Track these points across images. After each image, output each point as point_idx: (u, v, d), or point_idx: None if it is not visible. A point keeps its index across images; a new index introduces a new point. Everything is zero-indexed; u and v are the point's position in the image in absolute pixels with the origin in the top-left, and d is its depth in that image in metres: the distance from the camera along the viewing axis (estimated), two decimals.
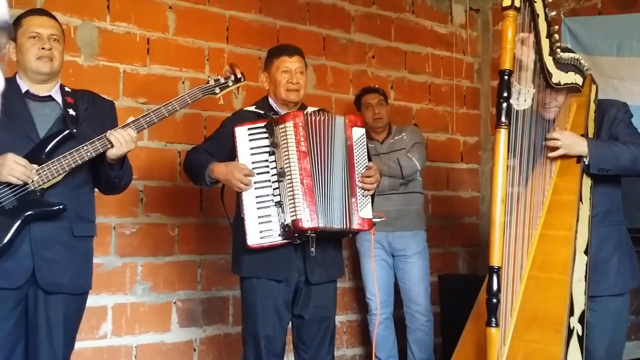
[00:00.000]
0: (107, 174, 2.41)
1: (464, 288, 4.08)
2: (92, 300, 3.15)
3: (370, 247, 3.81)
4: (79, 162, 2.29)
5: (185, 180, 3.67)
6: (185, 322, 3.68)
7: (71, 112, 2.38)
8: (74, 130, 2.32)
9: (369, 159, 2.69)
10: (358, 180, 2.60)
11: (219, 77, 2.60)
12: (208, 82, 2.58)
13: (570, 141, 2.36)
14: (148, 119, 2.40)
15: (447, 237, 4.77)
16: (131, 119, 2.39)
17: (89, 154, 2.29)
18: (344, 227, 2.56)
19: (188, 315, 3.69)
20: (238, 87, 2.66)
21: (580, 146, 2.35)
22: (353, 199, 2.57)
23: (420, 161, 3.78)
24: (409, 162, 3.74)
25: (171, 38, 3.71)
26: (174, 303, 3.65)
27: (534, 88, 2.36)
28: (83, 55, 3.46)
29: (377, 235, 3.78)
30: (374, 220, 2.62)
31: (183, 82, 3.73)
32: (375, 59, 4.52)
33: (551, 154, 2.41)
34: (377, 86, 4.10)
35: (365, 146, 2.67)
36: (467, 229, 4.90)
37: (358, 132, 2.65)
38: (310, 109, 2.77)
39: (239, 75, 2.62)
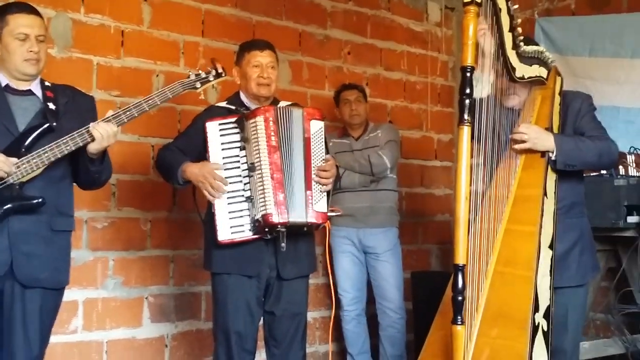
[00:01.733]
0: (88, 169, 2.39)
1: (436, 285, 4.07)
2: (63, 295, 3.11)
3: (341, 243, 3.84)
4: (59, 155, 2.27)
5: (159, 174, 3.64)
6: (157, 318, 3.65)
7: (51, 106, 2.36)
8: (54, 124, 2.29)
9: (327, 152, 2.70)
10: (314, 174, 2.61)
11: (200, 71, 2.58)
12: (189, 77, 2.55)
13: (537, 135, 2.36)
14: (129, 113, 2.38)
15: (420, 234, 4.80)
16: (111, 112, 2.37)
17: (69, 147, 2.28)
18: (303, 220, 2.57)
19: (160, 311, 3.66)
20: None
21: (547, 141, 2.36)
22: (308, 192, 2.59)
23: (390, 159, 3.77)
24: (379, 160, 3.74)
25: (146, 31, 3.67)
26: (146, 298, 3.62)
27: (493, 75, 2.36)
28: (56, 46, 3.41)
29: (348, 232, 3.80)
30: (329, 214, 2.64)
31: (157, 76, 3.69)
32: (351, 56, 4.52)
33: (517, 147, 2.41)
34: (356, 83, 4.11)
35: (323, 139, 2.69)
36: (440, 226, 4.93)
37: (316, 125, 2.67)
38: (282, 104, 2.77)
39: (220, 70, 2.60)
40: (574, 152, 2.36)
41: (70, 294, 3.35)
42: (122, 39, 3.60)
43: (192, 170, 2.64)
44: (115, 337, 3.52)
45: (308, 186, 2.60)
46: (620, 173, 3.47)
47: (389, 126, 4.05)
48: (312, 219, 2.59)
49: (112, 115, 2.35)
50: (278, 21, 4.18)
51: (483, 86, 2.31)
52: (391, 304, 3.83)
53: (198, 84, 2.55)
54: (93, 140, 2.29)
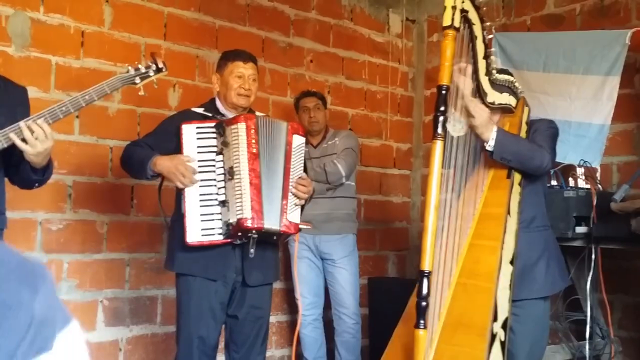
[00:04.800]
0: (29, 177, 2.30)
1: (392, 291, 4.17)
2: None
3: (299, 249, 3.86)
4: None
5: (117, 176, 3.62)
6: (112, 321, 3.61)
7: None
8: None
9: (305, 170, 2.75)
10: (291, 186, 2.65)
11: (140, 66, 2.50)
12: (128, 72, 2.47)
13: (484, 123, 2.41)
14: (64, 108, 2.25)
15: (378, 240, 4.86)
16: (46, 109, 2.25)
17: (0, 144, 2.14)
18: (276, 227, 2.60)
19: (114, 314, 3.62)
20: (158, 78, 2.55)
21: (490, 132, 2.41)
22: (284, 202, 2.63)
23: (345, 168, 3.79)
24: (334, 169, 3.77)
25: (107, 32, 3.65)
26: (101, 302, 3.58)
27: (466, 116, 2.44)
28: (14, 45, 3.36)
29: (305, 238, 3.83)
30: (300, 226, 2.68)
31: None
32: (314, 64, 4.57)
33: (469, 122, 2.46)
34: (315, 90, 4.14)
35: (302, 155, 2.74)
36: (397, 233, 5.00)
37: (298, 140, 2.73)
38: (259, 114, 2.79)
39: (160, 65, 2.53)
40: (512, 147, 2.44)
41: None
42: (82, 40, 3.57)
43: (162, 162, 2.61)
44: None
45: (284, 195, 2.63)
46: (570, 185, 3.57)
47: (347, 133, 4.07)
48: (284, 228, 2.61)
49: (46, 111, 2.21)
50: (241, 27, 4.20)
51: (459, 126, 2.40)
52: (346, 310, 3.86)
53: (137, 79, 2.46)
54: (23, 140, 2.14)
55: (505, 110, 2.57)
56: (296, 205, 2.68)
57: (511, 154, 2.43)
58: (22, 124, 2.15)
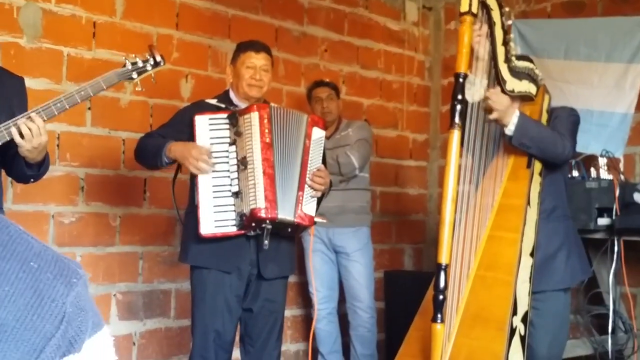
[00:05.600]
0: (24, 172, 2.27)
1: (409, 284, 4.11)
2: None
3: (313, 242, 3.82)
4: None
5: (130, 169, 3.59)
6: (125, 315, 3.59)
7: None
8: None
9: (324, 163, 2.72)
10: (308, 178, 2.62)
11: (137, 59, 2.43)
12: (124, 65, 2.40)
13: (505, 108, 2.35)
14: (60, 104, 2.21)
15: (393, 233, 4.80)
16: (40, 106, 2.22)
17: None
18: (290, 218, 2.57)
19: (128, 308, 3.60)
20: (156, 72, 2.49)
21: (510, 117, 2.35)
22: (300, 193, 2.60)
23: (359, 159, 3.72)
24: (347, 160, 3.70)
25: (118, 22, 3.61)
26: (114, 295, 3.55)
27: (487, 79, 2.37)
28: (26, 36, 3.33)
29: (318, 231, 3.79)
30: (315, 219, 2.64)
31: None
32: (328, 53, 4.50)
33: (489, 116, 2.40)
34: (329, 80, 4.07)
35: (322, 148, 2.71)
36: (413, 226, 4.93)
37: (318, 133, 2.70)
38: (274, 105, 2.76)
39: (159, 59, 2.46)
40: (532, 132, 2.37)
41: None
42: (94, 30, 3.53)
43: (177, 147, 2.61)
44: None
45: (301, 187, 2.60)
46: (592, 176, 3.50)
47: (361, 124, 3.99)
48: (299, 219, 2.58)
49: (41, 107, 2.18)
50: (254, 16, 4.14)
51: (476, 89, 2.33)
52: (361, 304, 3.81)
53: (135, 74, 2.40)
54: (22, 136, 2.11)
55: (525, 98, 2.50)
56: (312, 197, 2.64)
57: (531, 140, 2.37)
58: (19, 120, 2.13)
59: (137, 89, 2.44)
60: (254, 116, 2.58)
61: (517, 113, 2.36)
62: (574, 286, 2.56)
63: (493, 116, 2.37)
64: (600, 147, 3.64)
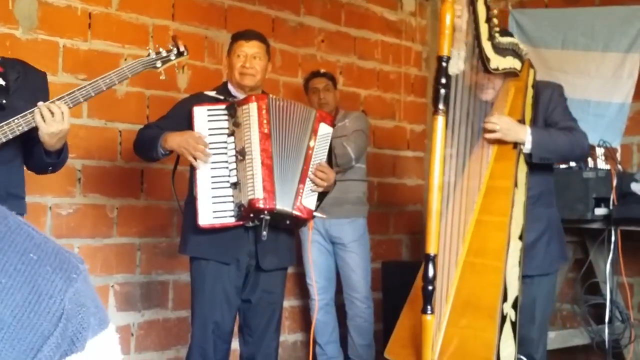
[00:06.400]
0: (42, 160, 2.29)
1: (406, 275, 4.08)
2: None
3: (310, 235, 3.82)
4: (10, 136, 2.15)
5: (127, 160, 3.58)
6: (123, 306, 3.59)
7: (0, 81, 2.22)
8: (4, 102, 2.18)
9: (330, 162, 2.71)
10: (311, 172, 2.61)
11: (161, 49, 2.48)
12: (149, 55, 2.44)
13: (508, 127, 2.35)
14: (84, 92, 2.26)
15: (391, 224, 4.80)
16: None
17: (20, 127, 2.15)
18: (289, 209, 2.56)
19: (126, 299, 3.60)
20: (180, 62, 2.56)
21: (519, 133, 2.35)
22: (300, 185, 2.59)
23: (355, 150, 3.70)
24: (343, 151, 3.67)
25: (114, 13, 3.59)
26: (112, 286, 3.55)
27: (465, 51, 2.33)
28: (21, 28, 3.31)
29: (315, 222, 3.77)
30: (314, 213, 2.64)
31: (125, 59, 3.60)
32: (325, 44, 4.48)
33: (487, 136, 2.40)
34: (326, 71, 4.06)
35: (327, 145, 2.71)
36: (411, 217, 4.93)
37: (325, 129, 2.70)
38: (272, 96, 2.76)
39: (182, 49, 2.52)
40: (550, 145, 2.37)
41: None
42: (90, 21, 3.51)
43: (173, 137, 2.61)
44: None
45: (302, 180, 2.60)
46: (589, 166, 3.50)
47: (357, 115, 3.98)
48: (297, 211, 2.58)
49: (67, 94, 2.23)
50: (251, 6, 4.12)
51: (454, 62, 2.27)
52: (358, 294, 3.82)
53: (159, 63, 2.45)
54: (44, 120, 2.14)
55: (510, 74, 2.47)
56: (312, 191, 2.63)
57: (551, 152, 2.37)
58: (41, 103, 2.16)
59: (161, 77, 2.48)
60: (253, 107, 2.58)
61: (528, 130, 2.34)
62: (552, 272, 2.56)
63: (495, 136, 2.36)
64: (598, 137, 3.64)
